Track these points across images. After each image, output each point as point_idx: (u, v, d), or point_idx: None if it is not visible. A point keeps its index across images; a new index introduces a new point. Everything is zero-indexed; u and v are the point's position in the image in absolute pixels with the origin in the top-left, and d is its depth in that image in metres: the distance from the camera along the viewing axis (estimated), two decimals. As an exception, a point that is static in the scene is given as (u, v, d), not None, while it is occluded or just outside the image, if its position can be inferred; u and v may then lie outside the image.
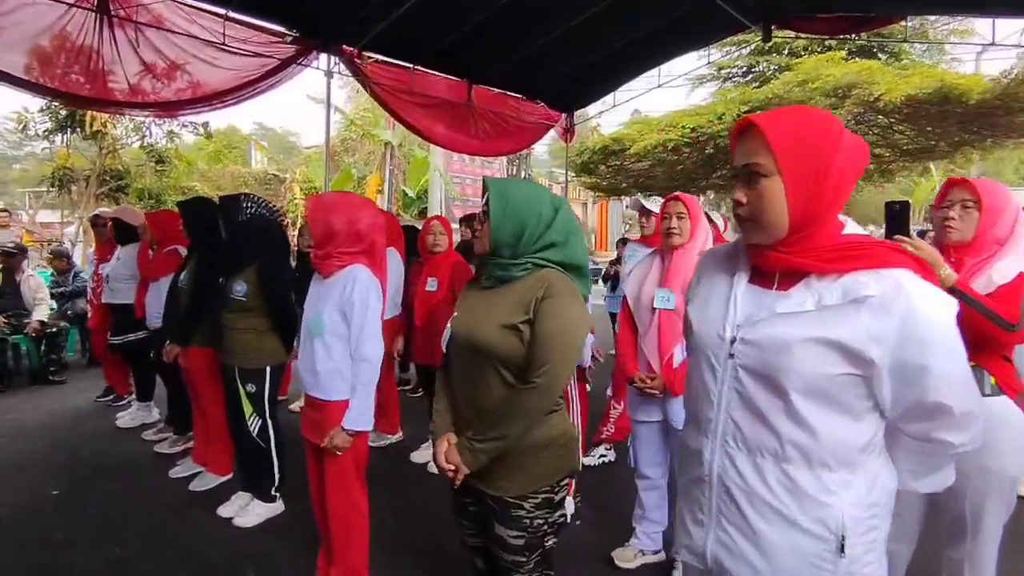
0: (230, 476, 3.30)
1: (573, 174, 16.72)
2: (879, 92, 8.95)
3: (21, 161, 37.85)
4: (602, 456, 3.77)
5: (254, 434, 2.75)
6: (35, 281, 5.65)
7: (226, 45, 5.49)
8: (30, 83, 4.52)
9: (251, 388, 2.71)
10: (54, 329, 5.56)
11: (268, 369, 2.75)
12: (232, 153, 21.45)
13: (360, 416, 1.99)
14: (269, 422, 2.78)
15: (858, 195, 21.69)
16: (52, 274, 6.26)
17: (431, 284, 3.52)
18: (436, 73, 7.45)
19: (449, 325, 1.63)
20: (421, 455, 3.73)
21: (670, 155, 12.42)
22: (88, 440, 4.02)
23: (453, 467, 1.48)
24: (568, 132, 9.54)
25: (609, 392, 3.83)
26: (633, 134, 12.73)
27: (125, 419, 4.32)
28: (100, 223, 4.79)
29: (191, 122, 9.75)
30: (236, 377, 2.71)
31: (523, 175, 22.94)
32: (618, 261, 6.91)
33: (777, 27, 7.23)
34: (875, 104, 9.31)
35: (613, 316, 6.17)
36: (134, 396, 4.88)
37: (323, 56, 6.40)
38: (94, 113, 8.80)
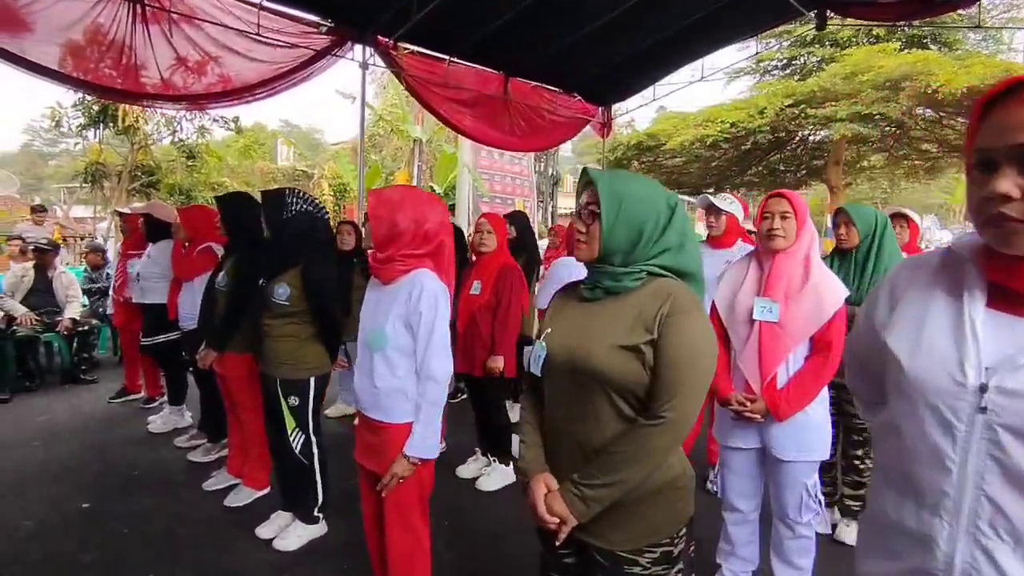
0: (267, 491, 3.09)
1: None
2: (937, 84, 8.46)
3: (56, 157, 38.89)
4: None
5: (296, 450, 2.52)
6: (67, 278, 5.54)
7: (260, 35, 5.32)
8: (63, 75, 4.39)
9: (293, 401, 2.48)
10: (86, 327, 5.45)
11: (312, 380, 2.52)
12: (260, 149, 21.54)
13: (425, 442, 1.74)
14: (313, 438, 2.55)
15: (899, 192, 20.96)
16: (86, 270, 6.17)
17: (475, 287, 3.26)
18: (472, 65, 7.20)
19: (542, 343, 1.37)
20: (468, 469, 3.48)
21: (707, 151, 12.02)
22: (119, 445, 3.85)
23: (557, 520, 1.22)
24: (605, 127, 9.20)
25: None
26: (669, 129, 12.35)
27: (157, 423, 4.15)
28: (125, 219, 4.63)
29: (221, 117, 9.71)
30: (277, 388, 2.49)
31: (550, 171, 22.62)
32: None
33: (834, 14, 6.83)
34: (933, 96, 8.81)
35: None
36: (165, 399, 4.75)
37: (357, 48, 6.20)
38: (126, 108, 8.75)
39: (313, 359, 2.54)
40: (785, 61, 14.16)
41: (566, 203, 30.64)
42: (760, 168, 16.17)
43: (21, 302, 5.27)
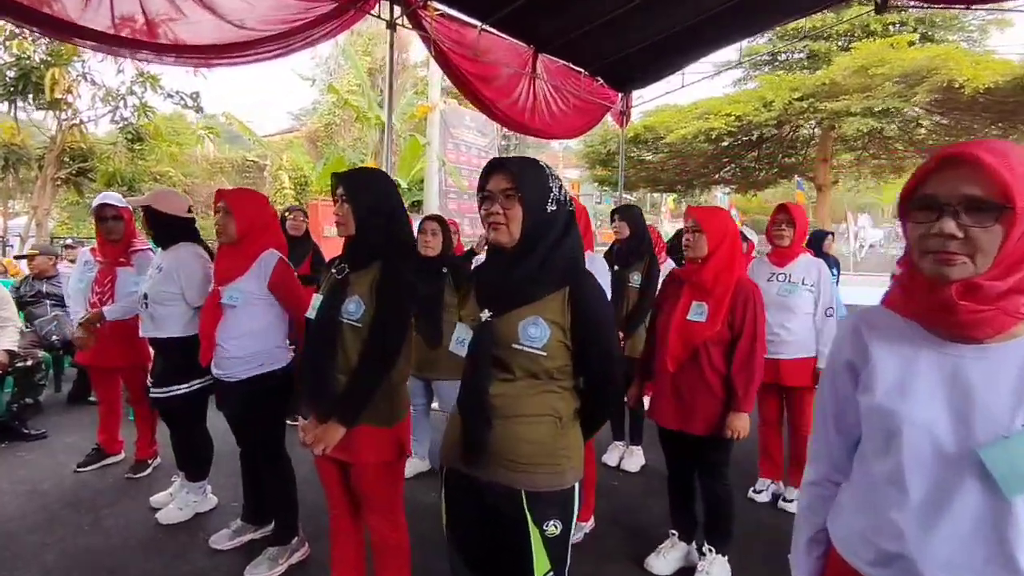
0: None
1: (587, 167, 15.63)
2: (963, 79, 8.24)
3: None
4: None
5: (544, 608, 1.46)
6: (-3, 294, 4.04)
7: (274, -24, 4.08)
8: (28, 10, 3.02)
9: (553, 527, 1.43)
10: (28, 362, 3.98)
11: (576, 487, 1.47)
12: (179, 138, 19.02)
13: None
14: (570, 584, 1.50)
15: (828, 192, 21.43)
16: (24, 280, 4.66)
17: (698, 310, 2.29)
18: (503, 36, 6.18)
19: None
20: (659, 563, 2.50)
21: (710, 145, 11.47)
22: (124, 555, 2.56)
23: None
24: (624, 116, 8.39)
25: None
26: (668, 122, 11.71)
27: (170, 511, 2.86)
28: (110, 215, 3.27)
29: (178, 92, 8.00)
30: (523, 507, 1.42)
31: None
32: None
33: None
34: (958, 92, 8.59)
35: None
36: (159, 460, 3.45)
37: (384, 6, 5.05)
38: (55, 76, 6.96)
39: (576, 451, 1.49)
40: (769, 56, 13.90)
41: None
42: (734, 167, 16.03)
43: (-68, 330, 3.75)
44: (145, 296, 2.76)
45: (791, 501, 3.09)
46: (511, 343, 1.40)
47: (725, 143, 11.85)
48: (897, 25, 11.35)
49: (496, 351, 1.42)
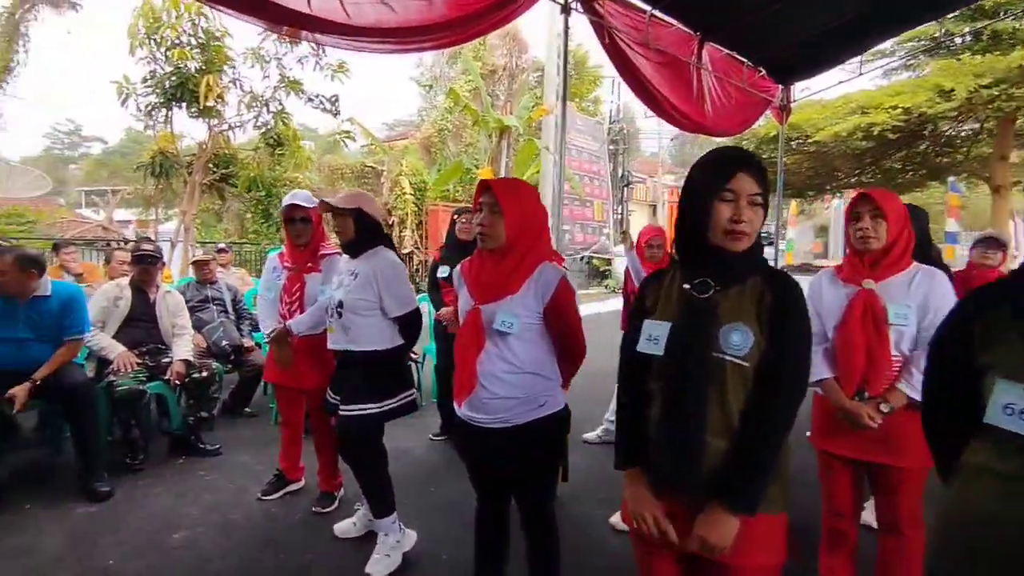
0: None
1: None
2: None
3: (76, 162, 38.28)
4: None
5: None
6: (173, 299, 3.89)
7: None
8: None
9: None
10: (203, 373, 3.78)
11: None
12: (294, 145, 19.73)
13: None
14: None
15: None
16: (188, 286, 4.57)
17: None
18: (671, 22, 5.56)
19: None
20: None
21: (870, 142, 10.21)
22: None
23: None
24: (784, 111, 7.48)
25: None
26: (814, 119, 10.58)
27: (379, 563, 2.41)
28: (299, 216, 2.94)
29: (318, 95, 8.02)
30: None
31: (618, 173, 20.89)
32: None
33: None
34: None
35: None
36: (341, 493, 3.08)
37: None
38: (209, 83, 7.10)
39: None
40: (932, 42, 12.33)
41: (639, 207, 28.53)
42: (874, 169, 14.46)
43: (116, 336, 3.62)
44: (340, 304, 2.39)
45: None
46: None
47: (882, 140, 10.49)
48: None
49: None
